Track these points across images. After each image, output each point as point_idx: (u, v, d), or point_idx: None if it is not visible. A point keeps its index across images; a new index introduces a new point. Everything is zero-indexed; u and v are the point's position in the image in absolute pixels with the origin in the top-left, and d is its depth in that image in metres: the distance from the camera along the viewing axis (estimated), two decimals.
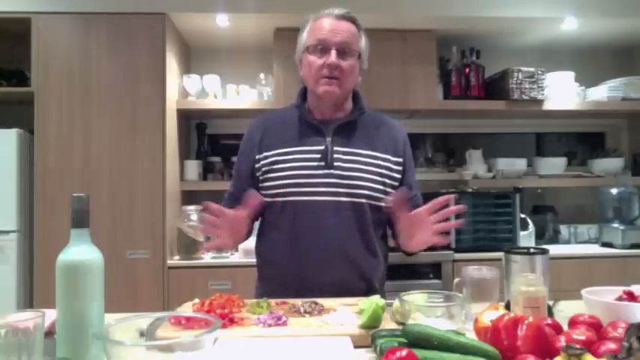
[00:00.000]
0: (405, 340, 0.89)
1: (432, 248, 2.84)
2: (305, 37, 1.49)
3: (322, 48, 1.43)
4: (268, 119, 1.56)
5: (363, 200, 1.43)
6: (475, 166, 3.33)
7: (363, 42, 1.50)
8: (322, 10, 1.48)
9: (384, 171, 1.47)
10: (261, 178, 1.48)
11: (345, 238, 1.42)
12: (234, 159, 1.64)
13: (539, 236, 3.24)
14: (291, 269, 1.44)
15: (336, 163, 1.43)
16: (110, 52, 2.80)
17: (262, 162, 1.48)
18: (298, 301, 1.25)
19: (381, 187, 1.46)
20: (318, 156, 1.44)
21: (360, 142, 1.48)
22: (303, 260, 1.41)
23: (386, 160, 1.48)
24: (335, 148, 1.45)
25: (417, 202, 1.52)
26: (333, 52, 1.42)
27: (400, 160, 1.50)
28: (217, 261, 2.84)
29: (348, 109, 1.53)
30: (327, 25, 1.44)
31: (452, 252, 2.90)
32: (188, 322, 0.89)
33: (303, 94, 1.54)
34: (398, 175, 1.50)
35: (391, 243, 1.58)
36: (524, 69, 3.12)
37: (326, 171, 1.43)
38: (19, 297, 2.70)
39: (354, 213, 1.42)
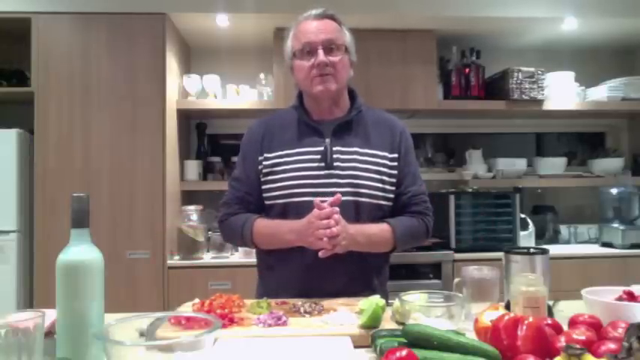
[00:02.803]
0: (405, 340, 0.89)
1: (431, 248, 2.88)
2: (290, 44, 1.51)
3: (309, 50, 1.45)
4: (268, 121, 1.56)
5: (364, 199, 1.44)
6: (475, 166, 3.33)
7: (347, 36, 1.52)
8: (301, 14, 1.50)
9: (382, 169, 1.47)
10: (262, 180, 1.49)
11: None
12: (235, 159, 1.63)
13: (539, 236, 3.24)
14: (293, 269, 1.44)
15: (335, 163, 1.44)
16: (110, 52, 2.80)
17: (264, 163, 1.48)
18: (298, 301, 1.25)
19: (380, 185, 1.46)
20: (318, 157, 1.45)
21: (358, 141, 1.48)
22: (305, 261, 1.41)
23: (383, 157, 1.49)
24: (334, 149, 1.45)
25: (410, 200, 1.51)
26: (320, 51, 1.43)
27: (395, 155, 1.50)
28: (217, 261, 2.84)
29: (345, 107, 1.54)
30: (309, 26, 1.46)
31: (452, 252, 2.90)
32: (188, 322, 0.89)
33: (301, 96, 1.56)
34: (394, 172, 1.49)
35: None
36: (524, 69, 3.12)
37: (326, 171, 1.44)
38: (19, 297, 2.70)
39: (355, 212, 1.42)
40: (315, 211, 1.34)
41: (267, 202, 1.49)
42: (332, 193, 1.40)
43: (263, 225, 1.46)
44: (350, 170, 1.44)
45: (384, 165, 1.48)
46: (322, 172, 1.43)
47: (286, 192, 1.44)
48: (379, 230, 1.44)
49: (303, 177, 1.43)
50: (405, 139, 1.54)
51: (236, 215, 1.50)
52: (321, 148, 1.45)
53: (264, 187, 1.48)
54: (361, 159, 1.46)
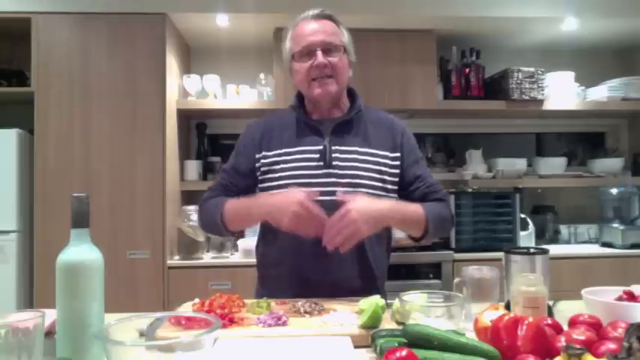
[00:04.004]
0: (405, 340, 0.89)
1: (431, 248, 2.88)
2: (288, 46, 1.50)
3: (307, 52, 1.44)
4: (267, 120, 1.57)
5: None
6: (475, 166, 3.33)
7: (345, 36, 1.50)
8: (298, 16, 1.50)
9: (382, 168, 1.47)
10: (260, 178, 1.49)
11: None
12: None
13: (539, 236, 3.23)
14: (291, 269, 1.44)
15: (334, 163, 1.44)
16: (110, 52, 2.79)
17: (262, 161, 1.49)
18: (298, 301, 1.25)
19: (380, 185, 1.46)
20: (317, 156, 1.45)
21: (357, 140, 1.48)
22: (303, 260, 1.41)
23: (384, 157, 1.48)
24: (333, 148, 1.45)
25: (430, 190, 1.49)
26: (319, 53, 1.42)
27: (397, 154, 1.50)
28: (217, 261, 2.84)
29: (345, 106, 1.54)
30: (307, 28, 1.46)
31: (452, 252, 2.90)
32: (188, 322, 0.89)
33: (300, 95, 1.55)
34: (396, 171, 1.49)
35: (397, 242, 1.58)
36: (524, 69, 3.12)
37: (325, 170, 1.43)
38: (19, 297, 2.70)
39: None
40: (300, 193, 1.30)
41: None
42: (331, 193, 1.40)
43: (235, 200, 1.46)
44: (349, 170, 1.44)
45: (384, 164, 1.48)
46: (321, 172, 1.43)
47: (284, 190, 1.43)
48: (415, 209, 1.42)
49: (301, 176, 1.43)
50: (407, 138, 1.53)
51: (213, 198, 1.51)
52: (320, 147, 1.45)
53: (262, 185, 1.49)
54: (361, 158, 1.46)
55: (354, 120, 1.51)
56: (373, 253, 1.47)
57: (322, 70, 1.43)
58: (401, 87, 3.08)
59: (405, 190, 1.50)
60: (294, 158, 1.46)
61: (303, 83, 1.47)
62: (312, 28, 1.45)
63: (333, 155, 1.45)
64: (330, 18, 1.49)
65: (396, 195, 1.49)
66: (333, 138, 1.46)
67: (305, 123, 1.50)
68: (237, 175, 1.52)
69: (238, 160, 1.53)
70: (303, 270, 1.42)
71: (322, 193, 1.40)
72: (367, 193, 1.43)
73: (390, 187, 1.48)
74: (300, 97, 1.55)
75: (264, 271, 1.56)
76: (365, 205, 1.32)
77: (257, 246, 1.58)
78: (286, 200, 1.31)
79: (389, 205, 1.39)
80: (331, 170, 1.43)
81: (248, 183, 1.51)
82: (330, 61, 1.43)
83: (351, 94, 1.57)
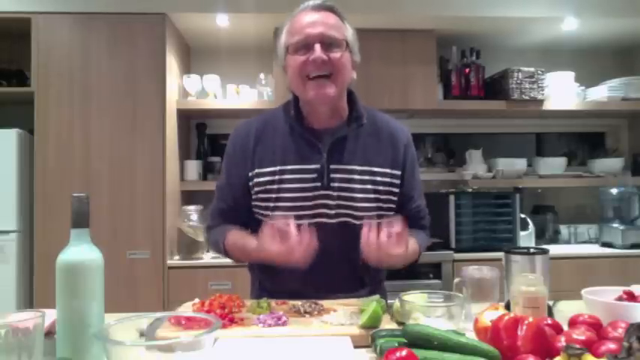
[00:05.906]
0: (405, 340, 0.89)
1: (431, 248, 2.88)
2: (283, 39, 1.34)
3: (304, 45, 1.28)
4: (258, 127, 1.40)
5: (357, 221, 1.32)
6: (475, 166, 3.33)
7: (350, 32, 1.34)
8: (297, 8, 1.35)
9: (379, 187, 1.37)
10: (254, 196, 1.38)
11: (339, 258, 1.35)
12: None
13: (539, 236, 3.23)
14: (292, 272, 1.40)
15: (332, 184, 1.33)
16: (110, 52, 2.80)
17: (255, 179, 1.37)
18: (298, 302, 1.25)
19: (374, 205, 1.36)
20: (314, 175, 1.33)
21: (357, 157, 1.37)
22: (294, 280, 1.34)
23: (384, 174, 1.38)
24: (332, 167, 1.34)
25: (418, 214, 1.47)
26: (317, 47, 1.26)
27: (398, 172, 1.40)
28: (217, 261, 2.83)
29: (344, 113, 1.40)
30: (305, 19, 1.29)
31: (452, 252, 2.90)
32: (188, 322, 0.89)
33: (296, 99, 1.38)
34: (396, 190, 1.40)
35: None
36: (524, 69, 3.12)
37: (322, 192, 1.33)
38: (19, 297, 2.70)
39: (349, 233, 1.32)
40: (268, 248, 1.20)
41: (258, 217, 1.38)
42: (326, 215, 1.33)
43: (234, 243, 1.38)
44: (345, 192, 1.34)
45: (382, 183, 1.38)
46: (317, 193, 1.33)
47: (279, 212, 1.31)
48: (414, 252, 1.37)
49: (297, 199, 1.33)
50: (410, 153, 1.44)
51: (216, 228, 1.43)
52: (318, 166, 1.33)
53: (256, 202, 1.38)
54: (358, 179, 1.35)
55: (354, 134, 1.38)
56: (362, 275, 1.42)
57: (320, 66, 1.27)
58: (401, 87, 3.08)
59: (397, 207, 1.42)
60: (290, 178, 1.34)
61: (297, 81, 1.31)
62: (311, 20, 1.28)
63: (331, 175, 1.33)
64: (332, 10, 1.32)
65: (392, 213, 1.38)
66: (332, 155, 1.34)
67: (301, 135, 1.35)
68: (232, 194, 1.41)
69: (230, 176, 1.41)
70: (300, 272, 1.38)
71: (318, 215, 1.33)
72: (360, 215, 1.32)
73: (384, 205, 1.38)
74: (296, 101, 1.39)
75: (259, 273, 1.49)
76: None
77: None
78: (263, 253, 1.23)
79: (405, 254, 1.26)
80: (329, 192, 1.33)
81: (245, 201, 1.39)
82: (329, 56, 1.27)
83: (351, 98, 1.41)
